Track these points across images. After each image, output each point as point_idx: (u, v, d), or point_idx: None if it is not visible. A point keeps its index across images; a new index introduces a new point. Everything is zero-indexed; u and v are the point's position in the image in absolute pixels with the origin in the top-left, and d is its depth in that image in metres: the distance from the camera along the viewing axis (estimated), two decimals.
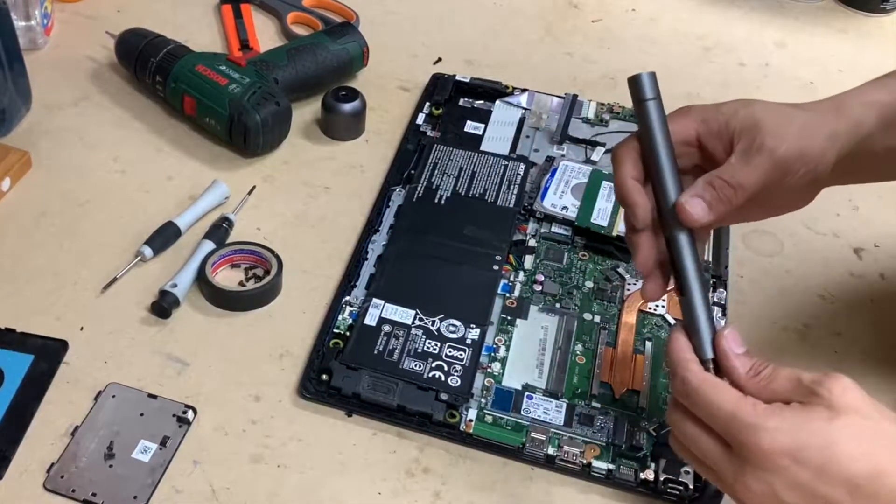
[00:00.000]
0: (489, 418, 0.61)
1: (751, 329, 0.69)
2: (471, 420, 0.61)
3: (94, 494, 0.56)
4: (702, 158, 0.55)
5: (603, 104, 0.86)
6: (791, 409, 0.46)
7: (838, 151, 0.54)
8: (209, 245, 0.70)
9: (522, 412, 0.61)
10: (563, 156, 0.81)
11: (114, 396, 0.61)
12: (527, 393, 0.62)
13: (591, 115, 0.85)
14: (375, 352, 0.64)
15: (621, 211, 0.74)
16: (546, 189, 0.76)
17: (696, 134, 0.54)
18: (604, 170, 0.78)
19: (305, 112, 0.84)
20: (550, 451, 0.59)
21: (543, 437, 0.60)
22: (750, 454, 0.45)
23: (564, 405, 0.62)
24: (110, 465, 0.57)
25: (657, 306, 0.69)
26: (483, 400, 0.62)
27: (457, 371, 0.63)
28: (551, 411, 0.61)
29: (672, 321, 0.68)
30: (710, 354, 0.50)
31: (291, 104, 0.80)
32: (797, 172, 0.53)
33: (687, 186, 0.53)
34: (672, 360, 0.50)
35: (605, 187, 0.76)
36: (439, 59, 0.92)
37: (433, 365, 0.63)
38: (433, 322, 0.66)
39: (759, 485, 0.45)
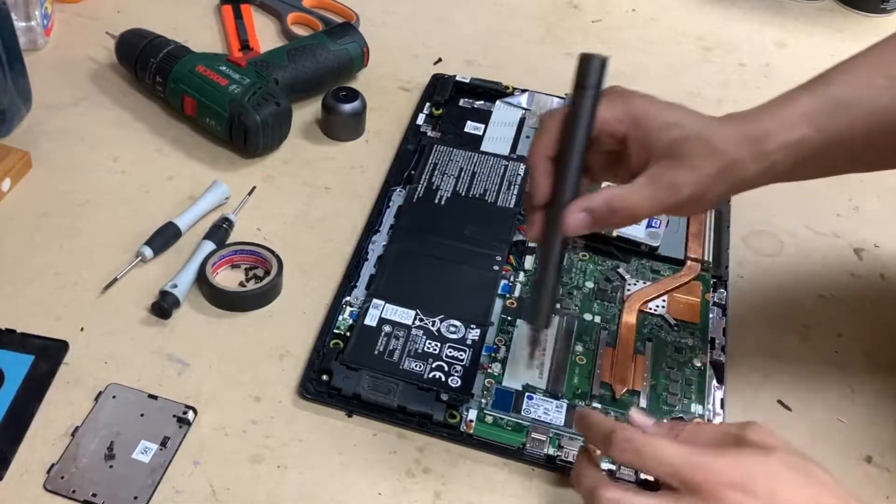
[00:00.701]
0: (489, 419, 0.61)
1: (751, 330, 0.69)
2: (471, 420, 0.61)
3: (94, 495, 0.56)
4: (619, 148, 0.55)
5: None
6: (730, 450, 0.49)
7: (741, 190, 0.55)
8: (209, 245, 0.70)
9: (523, 412, 0.61)
10: None
11: (114, 397, 0.61)
12: (527, 393, 0.62)
13: None
14: (376, 352, 0.64)
15: None
16: None
17: (624, 134, 0.53)
18: None
19: (306, 112, 0.84)
20: (551, 451, 0.59)
21: (544, 438, 0.60)
22: (704, 492, 0.48)
23: (565, 405, 0.62)
24: (110, 466, 0.57)
25: (657, 307, 0.69)
26: (483, 400, 0.62)
27: (457, 371, 0.63)
28: (551, 411, 0.61)
29: (672, 321, 0.68)
30: (544, 326, 0.57)
31: (291, 104, 0.80)
32: (687, 210, 0.55)
33: (596, 167, 0.54)
34: (603, 428, 0.52)
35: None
36: (439, 60, 0.92)
37: (433, 365, 0.63)
38: (433, 322, 0.66)
39: None
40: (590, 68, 0.50)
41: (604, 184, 0.58)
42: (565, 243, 0.54)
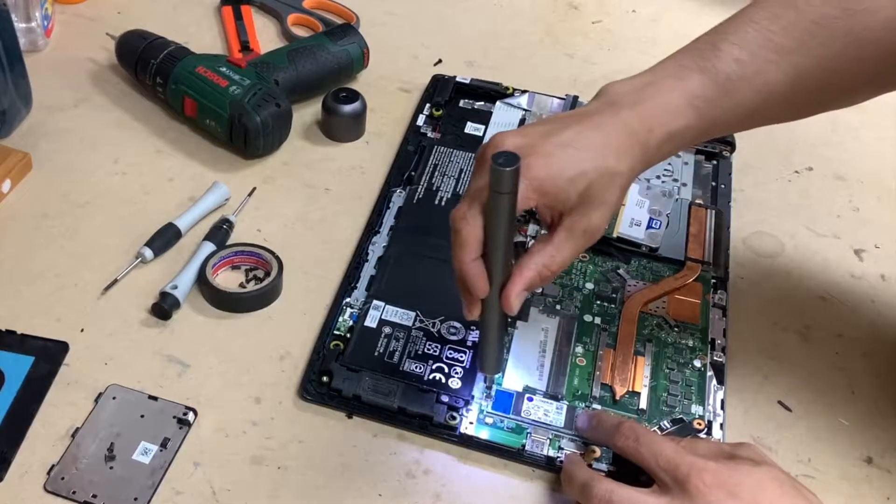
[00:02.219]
0: (489, 420, 0.61)
1: (752, 331, 0.69)
2: (471, 422, 0.61)
3: (94, 496, 0.56)
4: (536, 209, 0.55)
5: None
6: (722, 459, 0.53)
7: (660, 156, 0.57)
8: (209, 246, 0.70)
9: (523, 413, 0.61)
10: None
11: (114, 398, 0.61)
12: (527, 395, 0.62)
13: None
14: (376, 353, 0.64)
15: (622, 212, 0.74)
16: None
17: (535, 204, 0.54)
18: None
19: (306, 113, 0.84)
20: (550, 452, 0.59)
21: (543, 439, 0.60)
22: (691, 488, 0.51)
23: (565, 407, 0.62)
24: (111, 467, 0.57)
25: (658, 308, 0.69)
26: (483, 402, 0.62)
27: (457, 373, 0.63)
28: (552, 413, 0.61)
29: (672, 322, 0.68)
30: (491, 373, 0.61)
31: (292, 106, 0.80)
32: (616, 203, 0.55)
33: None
34: (613, 420, 0.58)
35: None
36: (439, 61, 0.92)
37: (434, 367, 0.63)
38: (434, 324, 0.66)
39: None
40: (504, 178, 0.50)
41: None
42: (505, 321, 0.57)
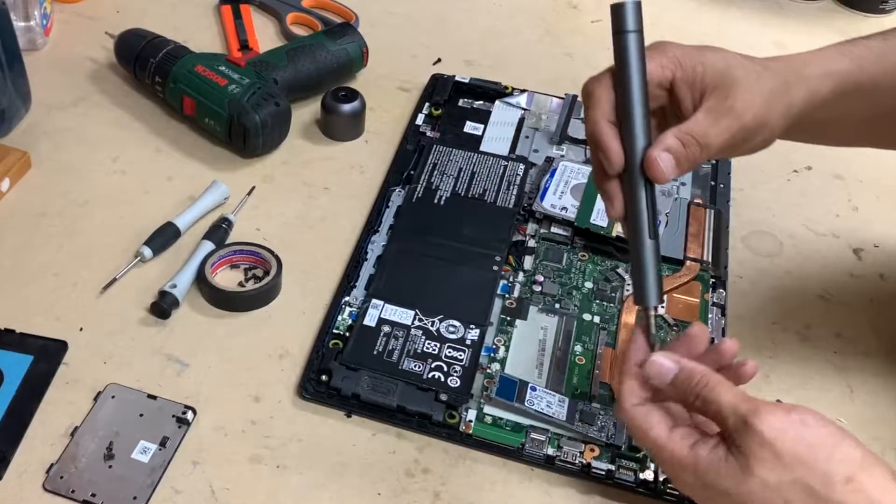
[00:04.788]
0: (489, 419, 0.61)
1: (751, 330, 0.69)
2: (470, 421, 0.61)
3: (93, 495, 0.56)
4: (668, 102, 0.54)
5: None
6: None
7: (791, 119, 0.55)
8: (209, 245, 0.70)
9: (526, 403, 0.61)
10: (562, 156, 0.81)
11: (113, 397, 0.61)
12: (530, 384, 0.62)
13: None
14: (375, 352, 0.64)
15: None
16: (545, 189, 0.76)
17: (672, 77, 0.53)
18: None
19: (305, 113, 0.84)
20: (550, 451, 0.59)
21: (543, 438, 0.60)
22: (756, 436, 0.44)
23: (567, 400, 0.62)
24: (110, 466, 0.57)
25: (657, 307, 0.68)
26: (487, 390, 0.62)
27: (456, 372, 0.63)
28: (554, 405, 0.61)
29: (672, 321, 0.68)
30: (653, 303, 0.51)
31: (291, 105, 0.80)
32: (756, 139, 0.54)
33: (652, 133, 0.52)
34: (663, 363, 0.48)
35: None
36: (439, 60, 0.92)
37: (433, 365, 0.63)
38: (433, 322, 0.66)
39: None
40: (626, 12, 0.49)
41: None
42: (654, 204, 0.51)
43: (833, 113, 0.56)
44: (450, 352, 0.64)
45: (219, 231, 0.71)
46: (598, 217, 0.73)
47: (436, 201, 0.75)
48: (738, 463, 0.44)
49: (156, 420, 0.60)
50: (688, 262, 0.72)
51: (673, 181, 0.78)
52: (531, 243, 0.73)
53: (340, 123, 0.82)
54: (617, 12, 0.48)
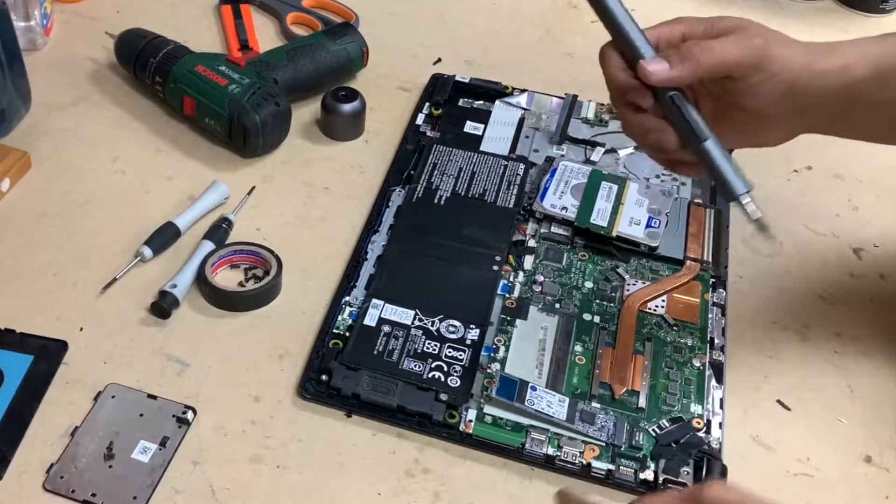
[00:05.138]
0: (489, 419, 0.61)
1: (751, 330, 0.69)
2: (470, 420, 0.61)
3: (93, 495, 0.56)
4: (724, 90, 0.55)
5: (602, 104, 0.86)
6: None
7: (824, 87, 0.55)
8: (209, 245, 0.70)
9: (526, 403, 0.61)
10: (562, 156, 0.81)
11: (113, 397, 0.61)
12: (531, 384, 0.62)
13: (590, 116, 0.85)
14: (375, 352, 0.64)
15: (621, 211, 0.74)
16: (545, 189, 0.76)
17: (682, 34, 0.55)
18: (603, 170, 0.78)
19: (305, 112, 0.84)
20: (550, 451, 0.59)
21: (543, 438, 0.60)
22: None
23: (567, 400, 0.62)
24: (110, 466, 0.57)
25: (657, 307, 0.69)
26: (487, 389, 0.62)
27: (456, 371, 0.63)
28: (554, 404, 0.61)
29: (671, 321, 0.68)
30: (742, 190, 0.55)
31: (291, 105, 0.80)
32: (773, 72, 0.54)
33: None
34: None
35: (605, 187, 0.76)
36: (439, 60, 0.92)
37: (433, 365, 0.63)
38: (433, 322, 0.66)
39: None
40: None
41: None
42: (693, 111, 0.55)
43: (877, 96, 0.56)
44: (450, 352, 0.64)
45: (219, 231, 0.71)
46: (598, 217, 0.73)
47: (436, 201, 0.75)
48: None
49: (156, 420, 0.60)
50: (688, 262, 0.72)
51: (673, 181, 0.78)
52: (531, 243, 0.73)
53: (340, 123, 0.82)
54: None
